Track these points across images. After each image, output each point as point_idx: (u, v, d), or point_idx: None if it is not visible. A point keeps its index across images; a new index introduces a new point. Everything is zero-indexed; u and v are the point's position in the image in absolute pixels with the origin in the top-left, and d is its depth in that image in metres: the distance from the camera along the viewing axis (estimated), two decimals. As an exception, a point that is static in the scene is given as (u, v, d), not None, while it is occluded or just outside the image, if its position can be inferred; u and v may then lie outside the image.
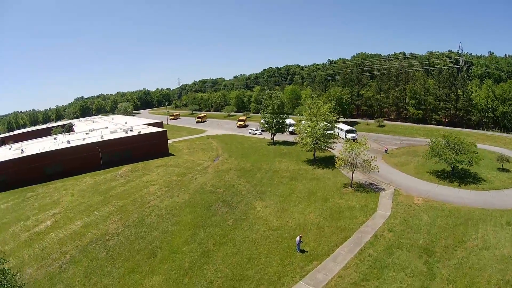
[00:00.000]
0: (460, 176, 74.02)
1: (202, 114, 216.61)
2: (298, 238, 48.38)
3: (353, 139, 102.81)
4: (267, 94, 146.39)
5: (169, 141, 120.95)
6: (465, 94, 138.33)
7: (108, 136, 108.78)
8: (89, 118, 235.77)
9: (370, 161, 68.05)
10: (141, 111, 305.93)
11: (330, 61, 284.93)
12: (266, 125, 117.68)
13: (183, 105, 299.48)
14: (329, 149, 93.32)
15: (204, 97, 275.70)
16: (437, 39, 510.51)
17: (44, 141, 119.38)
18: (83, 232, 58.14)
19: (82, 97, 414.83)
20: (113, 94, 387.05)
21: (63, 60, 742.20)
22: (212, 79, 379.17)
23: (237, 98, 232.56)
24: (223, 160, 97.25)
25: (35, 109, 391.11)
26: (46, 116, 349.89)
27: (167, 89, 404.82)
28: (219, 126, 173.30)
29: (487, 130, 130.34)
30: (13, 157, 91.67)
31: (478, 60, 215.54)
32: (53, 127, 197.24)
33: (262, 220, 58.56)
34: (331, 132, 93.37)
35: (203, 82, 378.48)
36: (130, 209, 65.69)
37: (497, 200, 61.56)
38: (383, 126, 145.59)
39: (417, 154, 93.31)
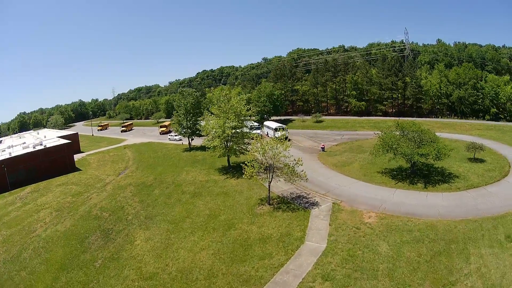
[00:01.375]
0: (423, 174, 57.43)
1: (128, 122, 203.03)
2: None
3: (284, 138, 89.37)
4: (179, 92, 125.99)
5: (82, 155, 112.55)
6: (414, 81, 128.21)
7: (18, 153, 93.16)
8: (20, 134, 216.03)
9: (293, 166, 47.93)
10: (76, 123, 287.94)
11: (265, 59, 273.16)
12: (179, 128, 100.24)
13: (116, 115, 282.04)
14: (247, 152, 72.06)
15: (135, 105, 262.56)
16: (379, 32, 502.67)
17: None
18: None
19: (24, 112, 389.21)
20: (51, 107, 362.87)
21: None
22: (147, 86, 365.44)
23: (166, 104, 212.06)
24: (128, 173, 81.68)
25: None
26: None
27: (104, 99, 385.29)
28: (142, 134, 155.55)
29: (442, 117, 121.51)
30: None
31: (425, 48, 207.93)
32: None
33: (135, 262, 41.53)
34: (247, 130, 75.35)
35: (138, 90, 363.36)
36: (15, 239, 53.68)
37: (481, 203, 44.64)
38: (321, 121, 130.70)
39: (363, 150, 77.20)
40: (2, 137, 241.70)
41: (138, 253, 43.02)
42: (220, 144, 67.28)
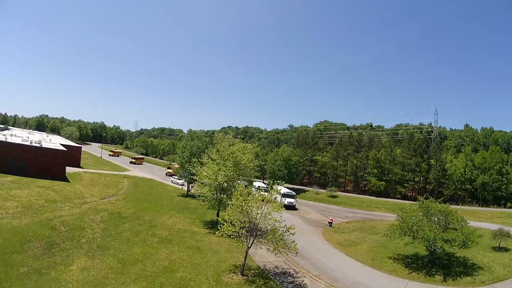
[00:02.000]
0: (443, 264, 47.76)
1: (139, 156, 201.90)
2: None
3: (291, 206, 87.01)
4: (188, 133, 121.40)
5: (80, 170, 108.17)
6: (439, 164, 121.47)
7: (14, 141, 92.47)
8: (32, 131, 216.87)
9: (282, 233, 38.07)
10: (92, 143, 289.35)
11: (291, 126, 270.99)
12: (181, 171, 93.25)
13: (133, 147, 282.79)
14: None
15: (154, 143, 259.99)
16: (407, 114, 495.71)
17: None
18: None
19: (47, 115, 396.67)
20: (72, 120, 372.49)
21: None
22: (171, 128, 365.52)
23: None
24: (113, 200, 74.19)
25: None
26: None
27: (127, 130, 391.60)
28: (150, 171, 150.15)
29: (462, 205, 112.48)
30: None
31: (453, 132, 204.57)
32: None
33: (57, 285, 34.30)
34: (242, 183, 61.53)
35: (162, 130, 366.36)
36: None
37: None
38: (335, 197, 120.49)
39: (375, 231, 67.39)
40: (15, 128, 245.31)
41: (66, 278, 36.03)
42: (210, 194, 57.83)
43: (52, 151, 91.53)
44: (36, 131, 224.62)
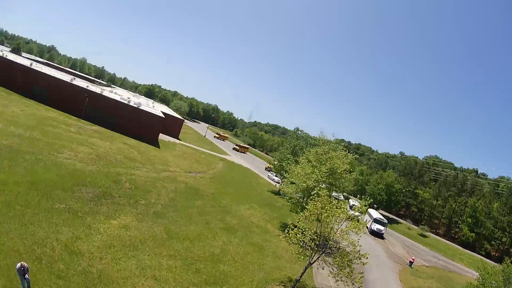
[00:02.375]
0: None
1: (245, 145, 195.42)
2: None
3: (379, 233, 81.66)
4: (294, 131, 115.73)
5: (176, 141, 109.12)
6: None
7: (109, 95, 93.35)
8: (139, 95, 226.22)
9: (353, 259, 30.42)
10: (202, 123, 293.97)
11: (401, 154, 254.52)
12: (277, 167, 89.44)
13: (242, 135, 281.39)
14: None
15: (264, 137, 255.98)
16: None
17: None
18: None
19: (160, 86, 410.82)
20: (185, 96, 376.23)
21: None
22: (285, 128, 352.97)
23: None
24: (197, 177, 70.55)
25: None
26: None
27: (240, 119, 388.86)
28: (250, 161, 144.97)
29: None
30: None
31: None
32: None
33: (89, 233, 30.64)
34: (335, 195, 61.78)
35: (275, 127, 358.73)
36: (37, 147, 47.23)
37: None
38: (425, 236, 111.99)
39: (451, 286, 60.85)
40: (120, 88, 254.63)
41: (98, 228, 31.98)
42: (296, 195, 53.14)
43: (148, 114, 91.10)
44: (143, 96, 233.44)
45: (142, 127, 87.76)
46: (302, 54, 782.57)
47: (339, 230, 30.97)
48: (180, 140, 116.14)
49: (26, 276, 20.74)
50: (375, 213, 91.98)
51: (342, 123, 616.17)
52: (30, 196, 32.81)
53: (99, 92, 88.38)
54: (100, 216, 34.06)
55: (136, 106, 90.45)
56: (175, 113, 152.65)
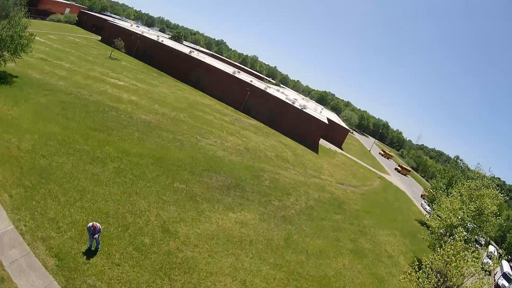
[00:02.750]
0: None
1: (407, 167, 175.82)
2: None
3: None
4: (454, 161, 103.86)
5: (338, 150, 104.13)
6: None
7: (272, 92, 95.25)
8: (311, 100, 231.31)
9: None
10: (370, 137, 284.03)
11: None
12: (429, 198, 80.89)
13: (407, 157, 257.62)
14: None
15: (427, 162, 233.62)
16: None
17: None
18: None
19: (333, 94, 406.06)
20: (358, 108, 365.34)
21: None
22: (449, 156, 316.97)
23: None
24: (348, 190, 65.30)
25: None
26: None
27: (408, 140, 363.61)
28: (408, 185, 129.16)
29: None
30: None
31: None
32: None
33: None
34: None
35: (440, 153, 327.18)
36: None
37: None
38: None
39: None
40: (289, 89, 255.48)
41: (211, 217, 30.76)
42: (438, 229, 46.04)
43: (311, 118, 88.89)
44: (313, 101, 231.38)
45: (303, 130, 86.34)
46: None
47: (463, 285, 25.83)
48: (342, 150, 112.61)
49: (96, 236, 21.14)
50: (506, 266, 75.36)
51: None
52: (149, 170, 33.47)
53: (263, 89, 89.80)
54: (219, 206, 33.28)
55: (300, 108, 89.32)
56: (342, 122, 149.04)
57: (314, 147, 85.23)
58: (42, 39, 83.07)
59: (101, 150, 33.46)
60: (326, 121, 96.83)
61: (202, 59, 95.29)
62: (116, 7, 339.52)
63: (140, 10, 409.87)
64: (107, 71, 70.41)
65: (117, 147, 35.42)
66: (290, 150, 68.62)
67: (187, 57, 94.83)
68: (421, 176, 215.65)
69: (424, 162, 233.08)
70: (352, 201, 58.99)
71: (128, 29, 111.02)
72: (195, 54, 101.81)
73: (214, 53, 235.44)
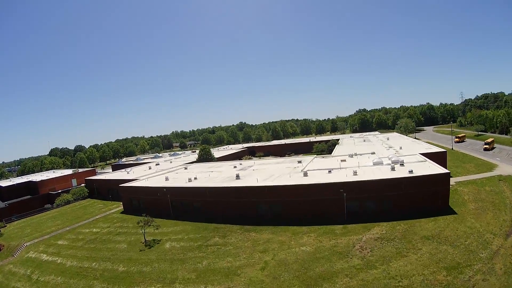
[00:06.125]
0: None
1: (490, 139, 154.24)
2: None
3: None
4: None
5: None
6: None
7: (362, 174, 75.38)
8: (364, 134, 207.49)
9: None
10: (425, 128, 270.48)
11: None
12: None
13: (467, 124, 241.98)
14: None
15: (488, 116, 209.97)
16: None
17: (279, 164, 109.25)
18: None
19: (364, 109, 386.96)
20: (396, 107, 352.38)
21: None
22: (493, 93, 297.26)
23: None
24: None
25: (307, 118, 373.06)
26: (320, 126, 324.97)
27: (450, 104, 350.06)
28: None
29: None
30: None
31: None
32: (316, 142, 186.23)
33: None
34: None
35: (485, 97, 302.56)
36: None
37: None
38: None
39: None
40: (345, 134, 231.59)
41: None
42: None
43: (436, 177, 68.03)
44: (370, 133, 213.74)
45: (424, 197, 66.60)
46: None
47: None
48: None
49: None
50: None
51: None
52: None
53: (353, 177, 73.72)
54: None
55: (409, 172, 71.38)
56: (428, 145, 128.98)
57: (446, 208, 65.95)
58: (47, 254, 71.42)
59: None
60: (436, 167, 75.10)
61: (263, 185, 76.10)
62: (127, 145, 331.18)
63: (152, 136, 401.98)
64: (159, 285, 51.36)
65: None
66: (447, 242, 51.84)
67: (241, 191, 76.71)
68: (491, 132, 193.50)
69: (485, 118, 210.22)
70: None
71: (149, 187, 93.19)
72: (247, 176, 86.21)
73: (256, 145, 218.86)
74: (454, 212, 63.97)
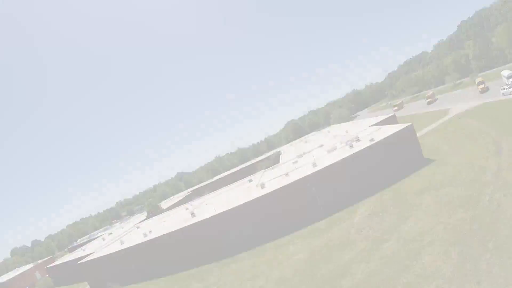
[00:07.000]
0: None
1: (430, 92, 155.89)
2: None
3: None
4: None
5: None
6: None
7: (322, 163, 67.44)
8: (302, 138, 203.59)
9: None
10: (358, 113, 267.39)
11: None
12: None
13: (401, 92, 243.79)
14: None
15: (418, 75, 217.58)
16: None
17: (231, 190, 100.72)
18: None
19: (292, 119, 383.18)
20: (323, 106, 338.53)
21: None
22: (416, 56, 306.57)
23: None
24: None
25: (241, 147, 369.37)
26: (256, 149, 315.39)
27: (376, 83, 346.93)
28: (461, 99, 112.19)
29: None
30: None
31: None
32: (258, 161, 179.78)
33: None
34: None
35: (408, 63, 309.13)
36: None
37: None
38: None
39: None
40: (282, 146, 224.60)
41: None
42: None
43: (399, 134, 64.91)
44: (306, 135, 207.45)
45: (397, 159, 62.61)
46: None
47: None
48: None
49: None
50: None
51: None
52: None
53: (315, 167, 65.87)
54: None
55: (370, 140, 66.90)
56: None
57: (422, 159, 62.72)
58: None
59: None
60: (395, 126, 73.04)
61: (225, 210, 67.56)
62: (79, 226, 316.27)
63: (98, 212, 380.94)
64: None
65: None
66: (449, 184, 47.49)
67: (204, 225, 67.60)
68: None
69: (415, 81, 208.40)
70: None
71: (107, 255, 79.38)
72: (203, 211, 78.61)
73: (202, 185, 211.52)
74: (432, 160, 60.73)
